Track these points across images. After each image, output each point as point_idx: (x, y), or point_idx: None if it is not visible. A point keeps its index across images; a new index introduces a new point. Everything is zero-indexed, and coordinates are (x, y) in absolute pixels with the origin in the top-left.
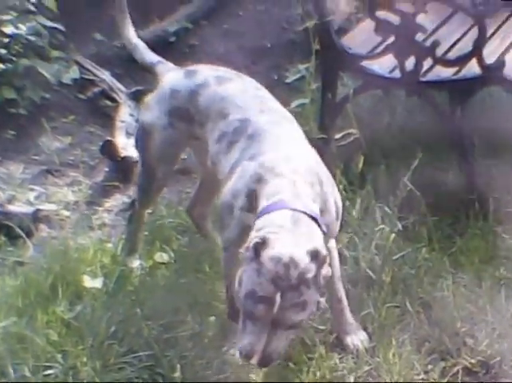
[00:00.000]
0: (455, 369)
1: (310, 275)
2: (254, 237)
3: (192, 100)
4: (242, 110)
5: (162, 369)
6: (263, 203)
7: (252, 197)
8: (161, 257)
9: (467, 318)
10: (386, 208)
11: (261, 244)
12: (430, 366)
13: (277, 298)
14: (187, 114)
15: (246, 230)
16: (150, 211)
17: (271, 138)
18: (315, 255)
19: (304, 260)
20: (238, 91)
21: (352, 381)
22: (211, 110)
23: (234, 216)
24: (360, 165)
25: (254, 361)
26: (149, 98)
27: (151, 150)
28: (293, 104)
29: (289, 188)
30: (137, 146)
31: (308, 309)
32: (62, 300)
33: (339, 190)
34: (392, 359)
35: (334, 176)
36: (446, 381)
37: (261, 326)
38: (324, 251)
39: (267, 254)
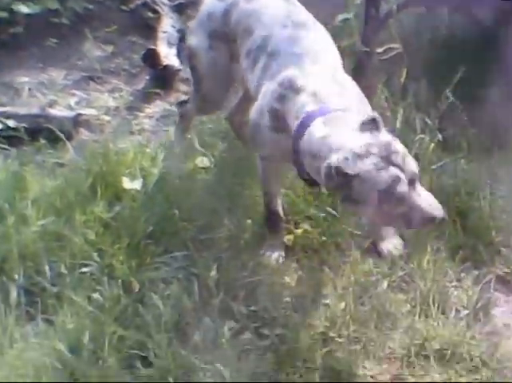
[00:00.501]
0: (488, 278)
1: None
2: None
3: (226, 21)
4: (265, 26)
5: (197, 269)
6: (292, 121)
7: (277, 116)
8: (202, 161)
9: (503, 228)
10: (427, 119)
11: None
12: (463, 274)
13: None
14: (224, 34)
15: (276, 147)
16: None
17: (288, 56)
18: None
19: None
20: (264, 7)
21: (385, 285)
22: (240, 27)
23: (263, 134)
24: (403, 78)
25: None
26: (192, 23)
27: (199, 72)
28: (338, 18)
29: (312, 99)
30: (189, 68)
31: None
32: (101, 201)
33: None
34: (426, 266)
35: (376, 88)
36: (479, 288)
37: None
38: None
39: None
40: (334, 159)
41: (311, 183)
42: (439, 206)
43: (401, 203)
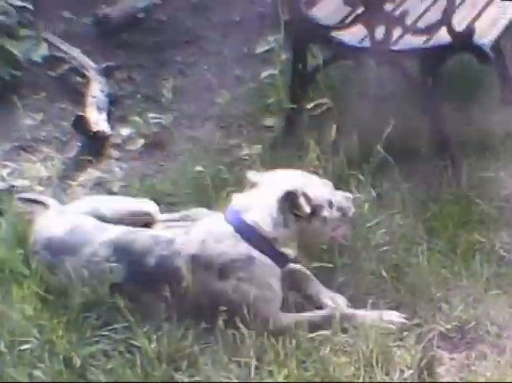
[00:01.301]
0: (431, 335)
1: None
2: None
3: None
4: None
5: (138, 340)
6: None
7: None
8: None
9: (442, 284)
10: (360, 176)
11: None
12: (405, 333)
13: None
14: None
15: None
16: None
17: None
18: None
19: None
20: None
21: (328, 349)
22: None
23: None
24: (333, 134)
25: None
26: None
27: None
28: (263, 74)
29: None
30: None
31: None
32: (36, 275)
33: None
34: (368, 326)
35: (307, 145)
36: (421, 346)
37: None
38: None
39: None
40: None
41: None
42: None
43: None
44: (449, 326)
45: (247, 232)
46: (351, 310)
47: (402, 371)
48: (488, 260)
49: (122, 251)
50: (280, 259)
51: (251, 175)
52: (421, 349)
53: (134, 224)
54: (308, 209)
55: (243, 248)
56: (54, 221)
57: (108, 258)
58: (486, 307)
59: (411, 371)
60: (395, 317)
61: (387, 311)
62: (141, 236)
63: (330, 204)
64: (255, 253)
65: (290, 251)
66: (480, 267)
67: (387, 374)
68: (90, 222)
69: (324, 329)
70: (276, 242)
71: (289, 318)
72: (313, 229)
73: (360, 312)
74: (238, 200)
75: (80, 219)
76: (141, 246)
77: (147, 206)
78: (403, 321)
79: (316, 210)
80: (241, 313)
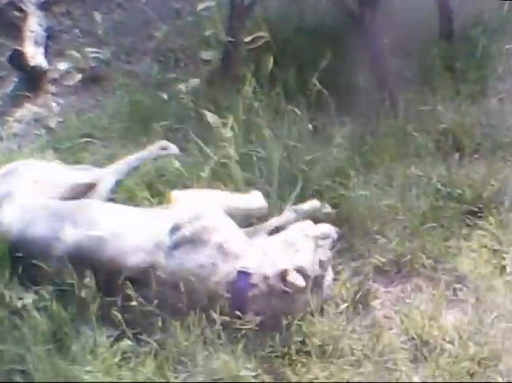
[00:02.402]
0: (366, 269)
1: None
2: None
3: None
4: None
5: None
6: None
7: None
8: None
9: (378, 217)
10: (296, 109)
11: None
12: (340, 267)
13: None
14: None
15: None
16: None
17: None
18: None
19: None
20: None
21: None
22: None
23: None
24: (270, 67)
25: None
26: None
27: None
28: (200, 7)
29: None
30: None
31: None
32: None
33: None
34: None
35: (244, 78)
36: (357, 280)
37: None
38: None
39: None
40: None
41: None
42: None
43: None
44: (384, 260)
45: None
46: None
47: (337, 304)
48: (425, 193)
49: None
50: None
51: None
52: (357, 282)
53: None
54: None
55: None
56: None
57: None
58: (422, 240)
59: (347, 304)
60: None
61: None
62: None
63: None
64: None
65: None
66: (416, 200)
67: (321, 309)
68: None
69: None
70: None
71: None
72: None
73: None
74: None
75: None
76: None
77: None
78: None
79: None
80: None
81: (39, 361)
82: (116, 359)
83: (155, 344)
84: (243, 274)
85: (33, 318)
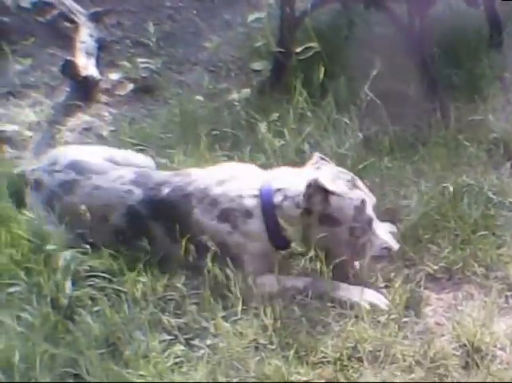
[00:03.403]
0: (418, 276)
1: None
2: None
3: None
4: None
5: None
6: None
7: None
8: None
9: (430, 226)
10: (346, 119)
11: None
12: (393, 274)
13: None
14: None
15: None
16: None
17: None
18: None
19: None
20: None
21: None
22: None
23: None
24: (321, 77)
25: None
26: None
27: None
28: (251, 18)
29: None
30: None
31: None
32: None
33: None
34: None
35: (295, 89)
36: (409, 287)
37: None
38: None
39: None
40: (312, 178)
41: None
42: (394, 238)
43: (369, 225)
44: (436, 267)
45: (267, 201)
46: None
47: (389, 311)
48: (476, 202)
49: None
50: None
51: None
52: (409, 289)
53: None
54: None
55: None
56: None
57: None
58: (474, 248)
59: (398, 311)
60: (375, 298)
61: (370, 291)
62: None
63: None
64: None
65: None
66: (468, 209)
67: (373, 316)
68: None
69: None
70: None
71: (271, 279)
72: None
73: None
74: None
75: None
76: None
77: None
78: (384, 304)
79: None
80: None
81: (92, 365)
82: (169, 364)
83: (207, 349)
84: None
85: (86, 323)
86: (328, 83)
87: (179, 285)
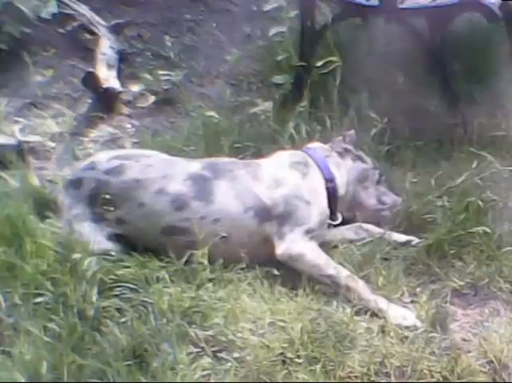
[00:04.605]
0: (444, 291)
1: None
2: None
3: None
4: None
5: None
6: None
7: None
8: None
9: (455, 241)
10: (367, 134)
11: None
12: (418, 289)
13: None
14: None
15: None
16: None
17: None
18: None
19: None
20: None
21: (349, 311)
22: None
23: None
24: (342, 92)
25: None
26: None
27: None
28: (272, 32)
29: None
30: None
31: None
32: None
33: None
34: (382, 282)
35: (316, 103)
36: (435, 303)
37: None
38: None
39: None
40: None
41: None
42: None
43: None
44: (462, 283)
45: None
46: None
47: (415, 326)
48: (501, 218)
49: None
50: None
51: None
52: (434, 305)
53: None
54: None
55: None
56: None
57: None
58: (499, 264)
59: (425, 326)
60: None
61: (399, 308)
62: None
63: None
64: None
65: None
66: (492, 224)
67: (401, 329)
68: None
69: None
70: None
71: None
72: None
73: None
74: None
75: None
76: None
77: None
78: (411, 322)
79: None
80: None
81: (119, 376)
82: (196, 376)
83: (234, 362)
84: None
85: (113, 334)
86: (349, 97)
87: (205, 297)
